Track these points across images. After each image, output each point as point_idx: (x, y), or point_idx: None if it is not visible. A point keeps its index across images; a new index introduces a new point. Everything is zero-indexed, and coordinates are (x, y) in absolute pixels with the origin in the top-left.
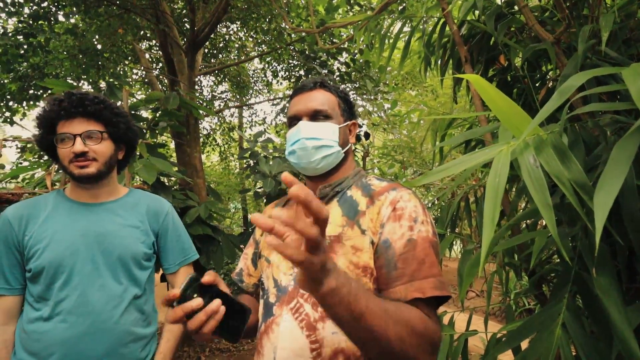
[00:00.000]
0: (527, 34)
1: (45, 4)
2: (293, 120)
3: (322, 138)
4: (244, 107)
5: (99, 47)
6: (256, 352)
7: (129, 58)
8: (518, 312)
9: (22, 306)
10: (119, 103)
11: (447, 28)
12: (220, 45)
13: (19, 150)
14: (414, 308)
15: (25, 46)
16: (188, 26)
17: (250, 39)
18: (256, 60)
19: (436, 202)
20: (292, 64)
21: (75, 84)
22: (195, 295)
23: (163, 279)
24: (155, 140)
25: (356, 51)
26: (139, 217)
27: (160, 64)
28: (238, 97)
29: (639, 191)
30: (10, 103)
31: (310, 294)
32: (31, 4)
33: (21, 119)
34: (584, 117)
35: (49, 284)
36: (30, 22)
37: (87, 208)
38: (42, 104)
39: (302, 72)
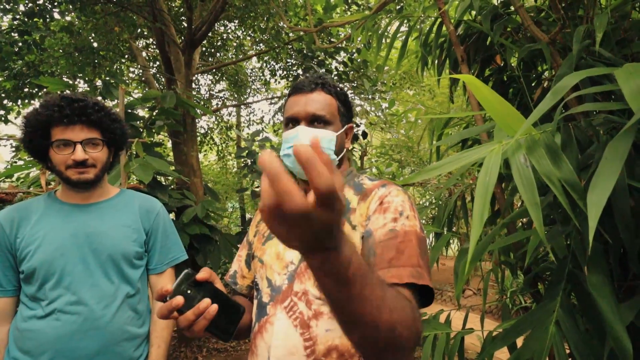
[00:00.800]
0: (522, 34)
1: (41, 1)
2: (290, 122)
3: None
4: (241, 106)
5: (95, 45)
6: (250, 352)
7: (126, 56)
8: (514, 310)
9: (16, 307)
10: (115, 101)
11: (444, 28)
12: (218, 43)
13: (13, 149)
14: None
15: (20, 44)
16: (185, 24)
17: (248, 38)
18: (254, 59)
19: (433, 201)
20: (290, 63)
21: (70, 82)
22: (189, 292)
23: None
24: (152, 139)
25: (354, 50)
26: (131, 216)
27: (157, 63)
28: (236, 96)
29: (630, 190)
30: (5, 101)
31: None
32: (26, 1)
33: (16, 118)
34: (578, 117)
35: (41, 284)
36: (25, 19)
37: (78, 209)
38: (37, 102)
39: (300, 71)
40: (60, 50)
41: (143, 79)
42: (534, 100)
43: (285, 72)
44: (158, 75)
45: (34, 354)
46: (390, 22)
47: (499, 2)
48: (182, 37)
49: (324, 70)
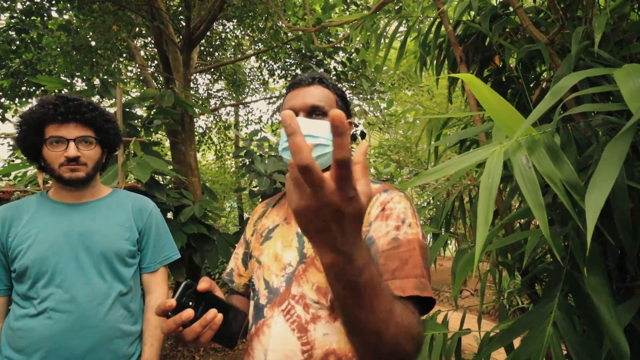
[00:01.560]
0: (521, 35)
1: None
2: None
3: (318, 136)
4: (239, 106)
5: (93, 43)
6: (246, 354)
7: (124, 55)
8: (511, 311)
9: (8, 306)
10: (112, 100)
11: (443, 28)
12: (216, 43)
13: (10, 147)
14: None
15: (17, 42)
16: (184, 23)
17: (247, 37)
18: (252, 58)
19: (431, 201)
20: (288, 63)
21: (68, 81)
22: (190, 303)
23: None
24: (149, 138)
25: (352, 50)
26: (123, 215)
27: (156, 62)
28: (234, 95)
29: (630, 191)
30: (2, 100)
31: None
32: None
33: (13, 116)
34: (576, 117)
35: (33, 282)
36: (23, 17)
37: (71, 208)
38: (34, 101)
39: (298, 71)
40: (58, 49)
41: (141, 78)
42: (532, 101)
43: (283, 72)
44: (156, 75)
45: (27, 352)
46: (389, 22)
47: (497, 2)
48: (181, 36)
49: (322, 70)
